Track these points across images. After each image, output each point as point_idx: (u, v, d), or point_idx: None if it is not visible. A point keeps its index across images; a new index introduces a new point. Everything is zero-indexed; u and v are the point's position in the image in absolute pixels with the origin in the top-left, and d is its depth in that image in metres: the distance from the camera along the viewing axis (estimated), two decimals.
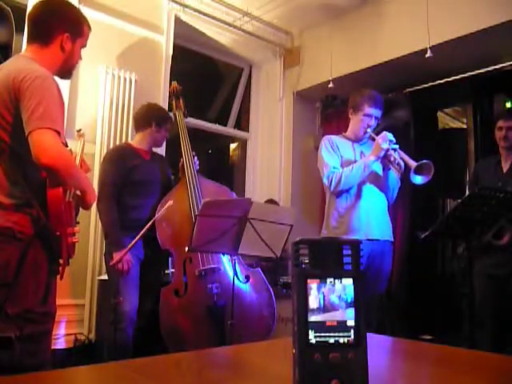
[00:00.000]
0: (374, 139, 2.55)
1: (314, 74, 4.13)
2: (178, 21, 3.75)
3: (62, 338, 2.96)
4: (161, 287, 2.54)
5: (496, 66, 3.27)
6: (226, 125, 4.61)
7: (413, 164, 2.31)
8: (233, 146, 4.95)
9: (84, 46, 1.76)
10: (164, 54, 3.65)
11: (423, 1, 3.28)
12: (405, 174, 2.45)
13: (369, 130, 2.60)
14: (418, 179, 2.33)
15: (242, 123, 4.75)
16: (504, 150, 2.90)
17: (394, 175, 2.59)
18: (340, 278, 0.60)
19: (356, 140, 2.67)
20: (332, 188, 2.50)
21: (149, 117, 2.78)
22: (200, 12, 3.79)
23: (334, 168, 2.52)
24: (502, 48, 3.22)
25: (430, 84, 3.60)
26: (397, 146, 2.45)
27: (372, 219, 2.54)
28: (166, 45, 3.66)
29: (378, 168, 2.57)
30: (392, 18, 3.57)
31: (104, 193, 2.55)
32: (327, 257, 0.61)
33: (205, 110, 4.56)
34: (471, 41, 3.11)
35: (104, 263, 2.81)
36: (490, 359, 1.01)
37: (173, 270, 2.70)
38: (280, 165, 4.37)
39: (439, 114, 4.58)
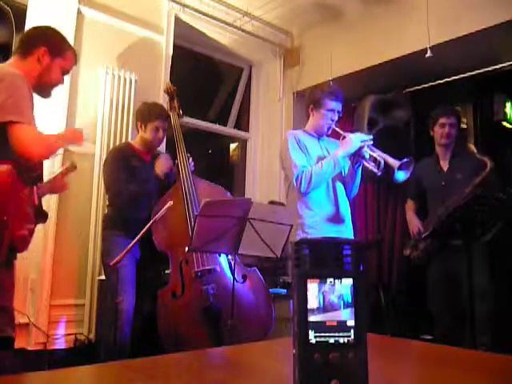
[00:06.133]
0: (339, 134, 2.49)
1: (314, 74, 4.13)
2: (177, 21, 3.75)
3: (61, 338, 2.96)
4: (159, 287, 2.54)
5: (496, 66, 3.28)
6: (225, 125, 4.61)
7: (395, 163, 2.29)
8: (233, 146, 4.94)
9: (66, 69, 1.84)
10: (164, 54, 3.65)
11: (423, 1, 3.28)
12: (386, 171, 2.39)
13: (333, 124, 2.53)
14: (402, 175, 2.31)
15: (242, 123, 4.75)
16: (442, 147, 2.89)
17: (359, 173, 2.54)
18: (340, 278, 0.60)
19: (319, 136, 2.61)
20: (303, 188, 2.39)
21: (135, 117, 2.81)
22: (200, 12, 3.80)
23: (303, 167, 2.42)
24: (502, 48, 3.22)
25: (430, 84, 3.60)
26: (371, 142, 2.39)
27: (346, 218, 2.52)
28: (165, 45, 3.66)
29: (345, 165, 2.52)
30: (392, 18, 3.57)
31: (122, 191, 2.58)
32: (327, 257, 0.61)
33: (205, 110, 4.56)
34: (471, 41, 3.11)
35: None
36: (490, 359, 1.01)
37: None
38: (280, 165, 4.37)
39: None
